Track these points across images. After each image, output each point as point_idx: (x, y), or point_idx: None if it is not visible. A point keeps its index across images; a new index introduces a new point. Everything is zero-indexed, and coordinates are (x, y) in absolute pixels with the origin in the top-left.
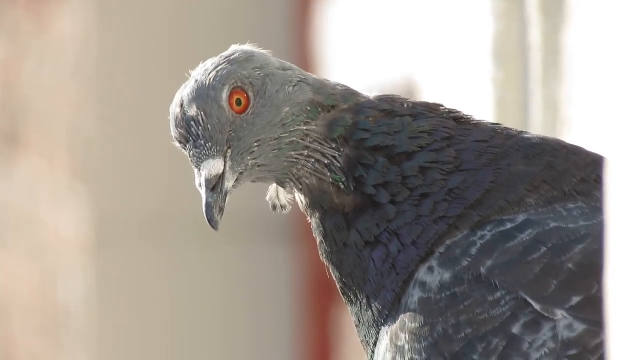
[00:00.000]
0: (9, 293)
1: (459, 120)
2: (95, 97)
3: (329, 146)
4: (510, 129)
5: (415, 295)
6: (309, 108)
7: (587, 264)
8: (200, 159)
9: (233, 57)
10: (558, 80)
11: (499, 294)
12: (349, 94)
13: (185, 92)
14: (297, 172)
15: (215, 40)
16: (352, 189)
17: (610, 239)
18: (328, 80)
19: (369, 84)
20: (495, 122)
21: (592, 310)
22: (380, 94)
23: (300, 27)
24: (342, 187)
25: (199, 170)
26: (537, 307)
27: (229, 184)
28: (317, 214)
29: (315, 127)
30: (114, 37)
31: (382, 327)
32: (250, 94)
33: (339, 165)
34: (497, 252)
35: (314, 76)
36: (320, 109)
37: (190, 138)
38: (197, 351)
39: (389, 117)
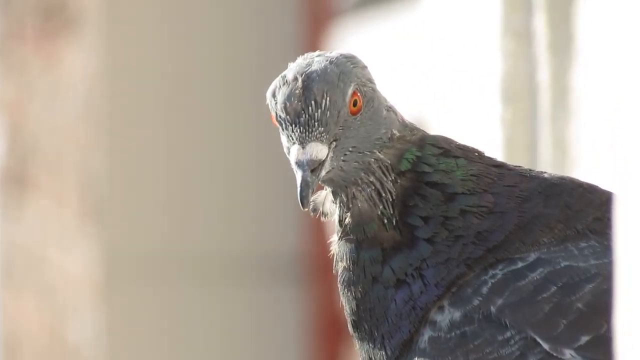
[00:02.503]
0: (19, 333)
1: (497, 166)
2: (104, 137)
3: (390, 178)
4: (533, 171)
5: (425, 334)
6: (389, 136)
7: (596, 304)
8: (306, 138)
9: (354, 60)
10: (566, 119)
11: (508, 334)
12: (413, 127)
13: (310, 69)
14: (355, 192)
15: (226, 80)
16: (394, 224)
17: (618, 277)
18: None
19: None
20: (524, 166)
21: (600, 350)
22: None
23: None
24: (386, 221)
25: (302, 147)
26: (545, 346)
27: (323, 172)
28: (355, 240)
29: (384, 156)
30: (122, 77)
31: None
32: (363, 101)
33: (392, 198)
34: (508, 291)
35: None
36: (394, 139)
37: (304, 115)
38: None
39: (446, 156)
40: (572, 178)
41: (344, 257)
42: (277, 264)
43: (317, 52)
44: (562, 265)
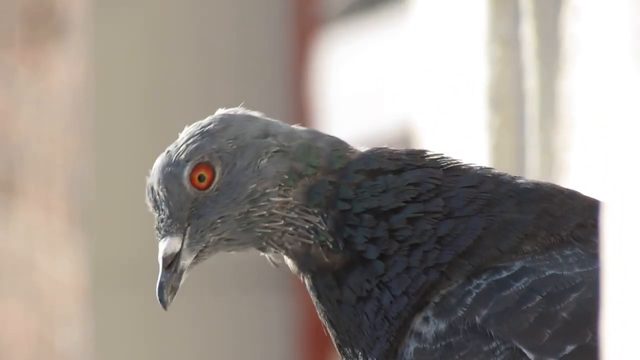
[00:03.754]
0: (6, 340)
1: (446, 167)
2: (92, 144)
3: (310, 213)
4: (503, 174)
5: (411, 345)
6: (286, 176)
7: (581, 313)
8: (160, 234)
9: (208, 127)
10: (554, 126)
11: (494, 344)
12: (337, 156)
13: (155, 164)
14: (278, 240)
15: (213, 88)
16: (342, 247)
17: (606, 285)
18: (320, 137)
19: (365, 130)
20: (490, 167)
21: (585, 359)
22: (369, 149)
23: (297, 74)
24: (331, 246)
25: (160, 246)
26: (531, 356)
27: (185, 262)
28: (308, 275)
29: (292, 197)
30: (111, 84)
31: None
32: (217, 170)
33: (324, 228)
34: (493, 301)
35: (306, 134)
36: (299, 176)
37: (155, 212)
38: None
39: (373, 177)
40: (552, 184)
41: (310, 292)
42: (263, 271)
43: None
44: (547, 274)
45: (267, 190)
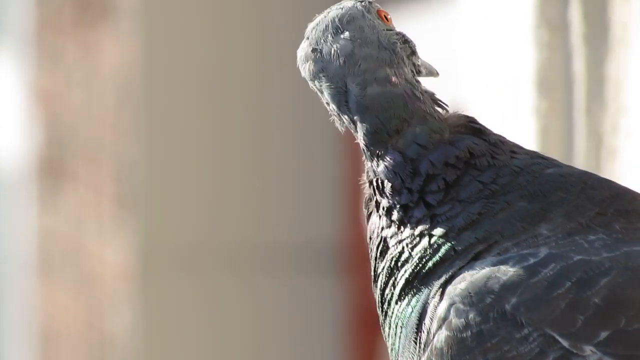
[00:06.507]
0: (56, 323)
1: (462, 164)
2: (141, 126)
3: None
4: (537, 163)
5: (441, 334)
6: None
7: (613, 298)
8: None
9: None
10: (602, 110)
11: (525, 331)
12: (370, 151)
13: None
14: None
15: (261, 64)
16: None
17: None
18: (363, 119)
19: None
20: (530, 153)
21: (621, 345)
22: (400, 149)
23: None
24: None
25: None
26: (565, 343)
27: None
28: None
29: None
30: (159, 66)
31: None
32: None
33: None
34: (521, 288)
35: (353, 112)
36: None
37: None
38: None
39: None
40: (583, 172)
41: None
42: (314, 254)
43: None
44: (575, 259)
45: None
